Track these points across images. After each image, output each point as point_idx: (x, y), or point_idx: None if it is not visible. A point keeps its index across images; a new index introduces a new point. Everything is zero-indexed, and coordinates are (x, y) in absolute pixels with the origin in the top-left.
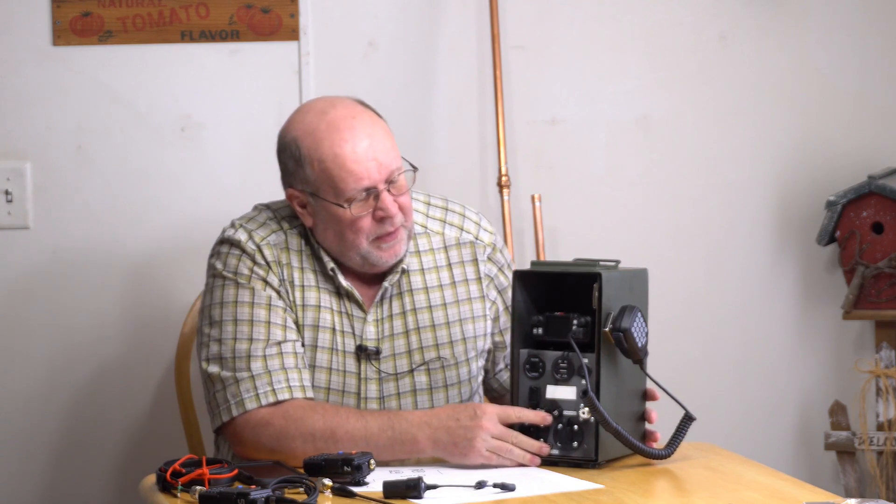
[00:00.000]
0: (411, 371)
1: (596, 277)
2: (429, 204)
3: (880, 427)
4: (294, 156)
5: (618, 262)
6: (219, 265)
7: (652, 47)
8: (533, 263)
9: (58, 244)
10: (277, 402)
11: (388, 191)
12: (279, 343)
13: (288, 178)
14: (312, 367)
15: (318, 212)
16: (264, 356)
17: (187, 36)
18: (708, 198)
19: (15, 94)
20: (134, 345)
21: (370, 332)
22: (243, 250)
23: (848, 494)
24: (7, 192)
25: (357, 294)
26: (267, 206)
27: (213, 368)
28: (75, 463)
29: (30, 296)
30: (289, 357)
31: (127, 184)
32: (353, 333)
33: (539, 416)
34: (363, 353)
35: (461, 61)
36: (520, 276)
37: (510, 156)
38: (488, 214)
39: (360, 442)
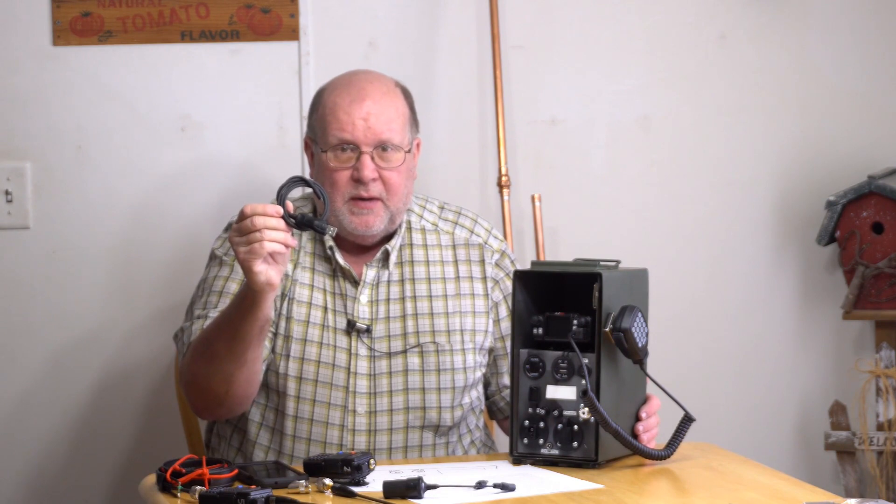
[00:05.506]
0: (404, 352)
1: (596, 277)
2: (442, 208)
3: (880, 427)
4: (314, 103)
5: (618, 262)
6: (214, 247)
7: (652, 47)
8: (533, 263)
9: (58, 244)
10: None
11: (374, 158)
12: None
13: (308, 126)
14: (304, 340)
15: (315, 159)
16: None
17: (187, 36)
18: (708, 198)
19: (15, 94)
20: (134, 344)
21: (363, 311)
22: None
23: (848, 494)
24: (7, 192)
25: (354, 273)
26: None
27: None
28: (75, 462)
29: (30, 296)
30: None
31: (127, 184)
32: (346, 312)
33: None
34: (353, 329)
35: (461, 61)
36: (520, 276)
37: (510, 156)
38: (488, 214)
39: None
